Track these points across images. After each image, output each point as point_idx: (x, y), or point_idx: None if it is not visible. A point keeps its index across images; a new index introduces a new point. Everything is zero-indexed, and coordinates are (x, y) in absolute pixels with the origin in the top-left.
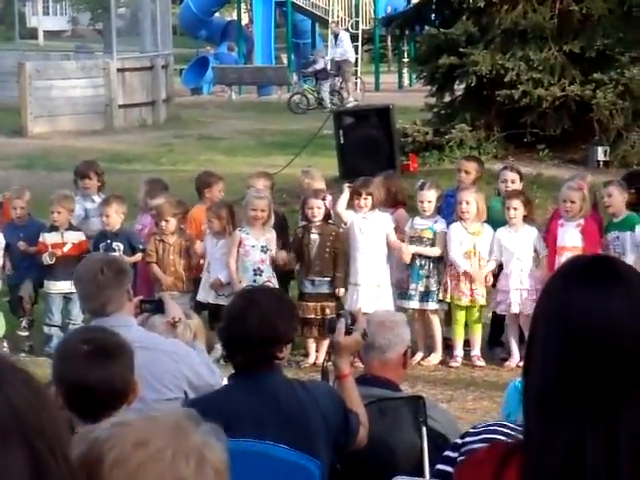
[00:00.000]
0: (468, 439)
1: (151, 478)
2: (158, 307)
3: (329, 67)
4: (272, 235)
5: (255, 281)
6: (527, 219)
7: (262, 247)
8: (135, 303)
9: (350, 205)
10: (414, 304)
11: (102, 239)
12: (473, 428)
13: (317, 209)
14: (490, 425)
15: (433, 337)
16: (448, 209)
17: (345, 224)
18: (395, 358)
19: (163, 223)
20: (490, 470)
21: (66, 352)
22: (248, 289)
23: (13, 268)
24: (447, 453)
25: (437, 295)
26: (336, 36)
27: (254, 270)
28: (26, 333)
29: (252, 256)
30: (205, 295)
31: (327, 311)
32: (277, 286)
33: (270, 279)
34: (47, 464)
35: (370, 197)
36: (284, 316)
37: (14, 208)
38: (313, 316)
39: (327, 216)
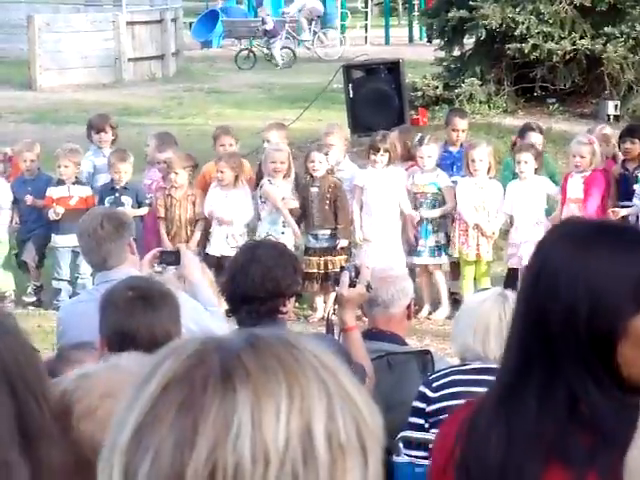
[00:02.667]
0: (433, 395)
1: None
2: (176, 258)
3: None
4: (289, 186)
5: (284, 233)
6: (537, 171)
7: (283, 198)
8: (154, 254)
9: (365, 160)
10: (424, 260)
11: (109, 192)
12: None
13: (318, 163)
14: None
15: (439, 291)
16: (444, 162)
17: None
18: (399, 312)
19: (172, 175)
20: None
21: (111, 298)
22: (250, 244)
23: (20, 222)
24: (416, 404)
25: (447, 248)
26: None
27: (283, 223)
28: (33, 299)
29: (271, 207)
30: (219, 249)
31: (330, 266)
32: (293, 239)
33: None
34: (28, 405)
35: (387, 153)
36: (286, 270)
37: (24, 161)
38: (315, 270)
39: (332, 169)
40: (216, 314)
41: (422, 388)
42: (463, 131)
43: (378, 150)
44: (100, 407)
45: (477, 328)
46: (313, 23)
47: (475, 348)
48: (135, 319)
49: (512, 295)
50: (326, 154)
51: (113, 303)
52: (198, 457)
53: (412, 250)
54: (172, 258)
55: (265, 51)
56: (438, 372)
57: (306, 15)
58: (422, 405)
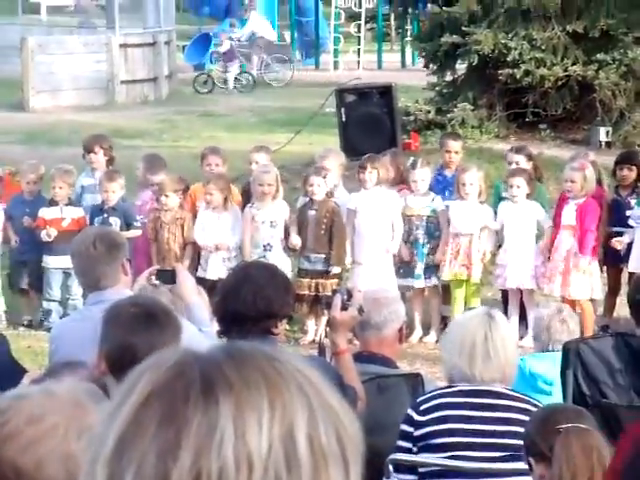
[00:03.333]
0: (420, 418)
1: (41, 453)
2: (172, 277)
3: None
4: (283, 209)
5: (265, 257)
6: (529, 196)
7: (271, 222)
8: (151, 271)
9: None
10: (420, 283)
11: (98, 214)
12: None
13: (317, 186)
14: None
15: (433, 315)
16: (438, 186)
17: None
18: (391, 334)
19: (163, 198)
20: None
21: (114, 314)
22: (242, 264)
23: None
24: (404, 427)
25: (436, 272)
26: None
27: (264, 246)
28: (28, 331)
29: (262, 232)
30: (216, 272)
31: (321, 288)
32: (286, 262)
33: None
34: None
35: (375, 171)
36: (279, 291)
37: (27, 183)
38: (307, 292)
39: (331, 191)
40: (209, 335)
41: (410, 411)
42: (457, 153)
43: (365, 168)
44: (24, 432)
45: (463, 347)
46: (262, 50)
47: (462, 368)
48: (137, 335)
49: (499, 314)
50: (324, 177)
51: (116, 318)
52: (181, 467)
53: (407, 272)
54: (168, 277)
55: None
56: (425, 395)
57: (259, 43)
58: (409, 429)
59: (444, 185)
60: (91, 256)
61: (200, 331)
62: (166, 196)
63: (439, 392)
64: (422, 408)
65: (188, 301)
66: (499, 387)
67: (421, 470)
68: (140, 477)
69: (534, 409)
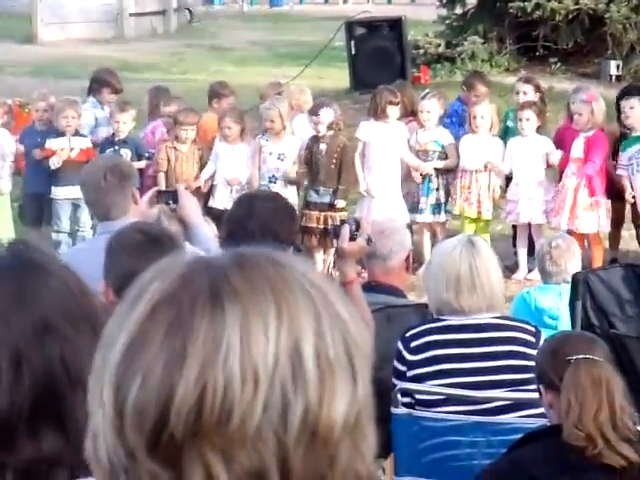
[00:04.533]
0: (412, 358)
1: None
2: (174, 198)
3: None
4: (294, 143)
5: (270, 189)
6: (540, 130)
7: (279, 155)
8: (153, 193)
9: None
10: (426, 217)
11: (109, 145)
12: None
13: (315, 125)
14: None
15: None
16: (452, 117)
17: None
18: (397, 265)
19: (183, 132)
20: None
21: (120, 241)
22: (246, 196)
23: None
24: (397, 365)
25: (446, 206)
26: None
27: (269, 177)
28: None
29: (268, 163)
30: (224, 202)
31: (329, 221)
32: (292, 193)
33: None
34: None
35: (400, 104)
36: (284, 221)
37: (36, 111)
38: (315, 225)
39: (338, 126)
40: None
41: (400, 346)
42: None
43: (397, 104)
44: None
45: (448, 279)
46: None
47: (450, 301)
48: (144, 261)
49: (480, 241)
50: (317, 115)
51: (122, 246)
52: (187, 377)
53: (414, 207)
54: (170, 197)
55: None
56: (415, 329)
57: None
58: (402, 368)
59: (458, 119)
60: (102, 187)
61: (209, 251)
62: (185, 130)
63: (428, 327)
64: (413, 345)
65: (192, 221)
66: (489, 318)
67: (418, 397)
68: (146, 389)
69: (531, 338)
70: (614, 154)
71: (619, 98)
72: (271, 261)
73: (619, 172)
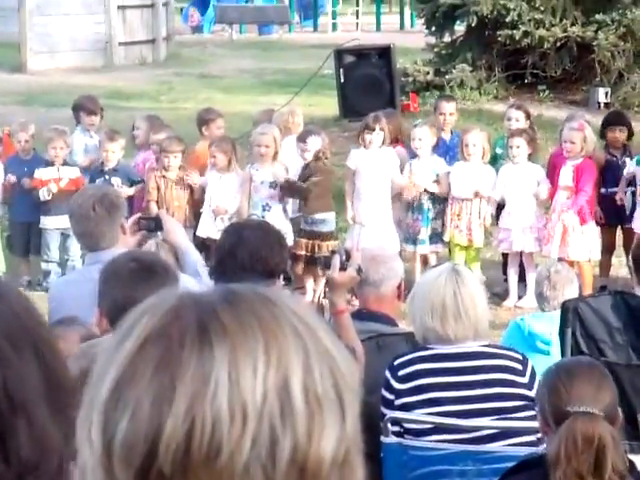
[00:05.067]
0: (399, 386)
1: None
2: (156, 224)
3: None
4: (281, 168)
5: (264, 217)
6: (531, 157)
7: (270, 183)
8: (134, 220)
9: (359, 141)
10: (425, 249)
11: (99, 175)
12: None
13: (302, 152)
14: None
15: None
16: (438, 151)
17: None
18: (390, 292)
19: (166, 159)
20: None
21: (113, 270)
22: (235, 225)
23: (12, 203)
24: (385, 394)
25: (442, 237)
26: None
27: (263, 206)
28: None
29: (261, 192)
30: (206, 230)
31: (317, 249)
32: (285, 223)
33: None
34: (55, 371)
35: (382, 132)
36: (274, 249)
37: (19, 141)
38: (303, 252)
39: (324, 154)
40: (206, 275)
41: (388, 375)
42: (451, 114)
43: (373, 129)
44: None
45: (433, 307)
46: None
47: (435, 329)
48: (138, 290)
49: (464, 269)
50: (304, 142)
51: (116, 275)
52: (176, 413)
53: (413, 239)
54: (152, 225)
55: None
56: (403, 357)
57: None
58: (390, 396)
59: (444, 149)
60: (91, 218)
61: (197, 274)
62: (174, 157)
63: (416, 356)
64: (401, 374)
65: (180, 245)
66: (476, 346)
67: (407, 426)
68: (135, 423)
69: (518, 365)
70: (604, 181)
71: (604, 126)
72: (260, 297)
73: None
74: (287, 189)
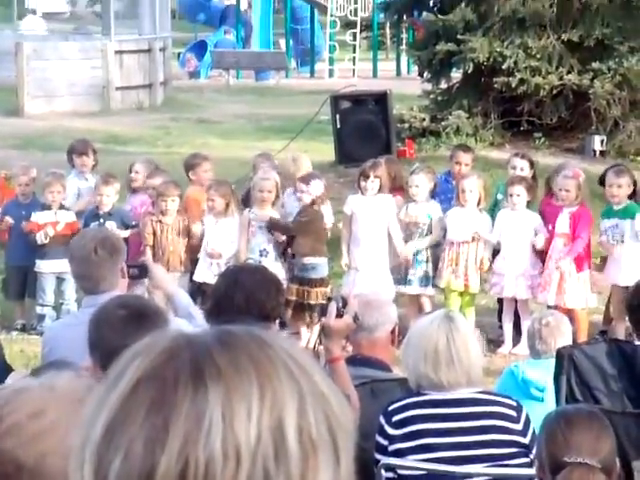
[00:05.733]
0: (393, 432)
1: (42, 447)
2: (141, 271)
3: None
4: (275, 214)
5: (260, 262)
6: (529, 205)
7: (269, 228)
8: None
9: (357, 188)
10: (413, 290)
11: (94, 218)
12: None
13: (301, 193)
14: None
15: None
16: (447, 193)
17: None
18: (384, 337)
19: (164, 203)
20: None
21: (103, 317)
22: (232, 269)
23: (9, 247)
24: (379, 440)
25: (433, 280)
26: None
27: (260, 251)
28: (20, 335)
29: (258, 237)
30: (202, 275)
31: (306, 295)
32: (280, 268)
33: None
34: None
35: (378, 180)
36: (270, 293)
37: (19, 184)
38: (294, 298)
39: (321, 201)
40: (199, 316)
41: (382, 420)
42: (466, 165)
43: (368, 177)
44: (26, 426)
45: (427, 353)
46: None
47: (428, 375)
48: (130, 337)
49: (458, 316)
50: (307, 184)
51: (105, 322)
52: (169, 455)
53: (401, 279)
54: (136, 272)
55: None
56: (396, 403)
57: None
58: (384, 442)
59: (452, 194)
60: (92, 260)
61: (190, 316)
62: (172, 201)
63: (410, 402)
64: (394, 420)
65: (168, 290)
66: (470, 392)
67: (400, 472)
68: (128, 465)
69: (512, 412)
70: None
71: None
72: (255, 339)
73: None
74: (272, 227)
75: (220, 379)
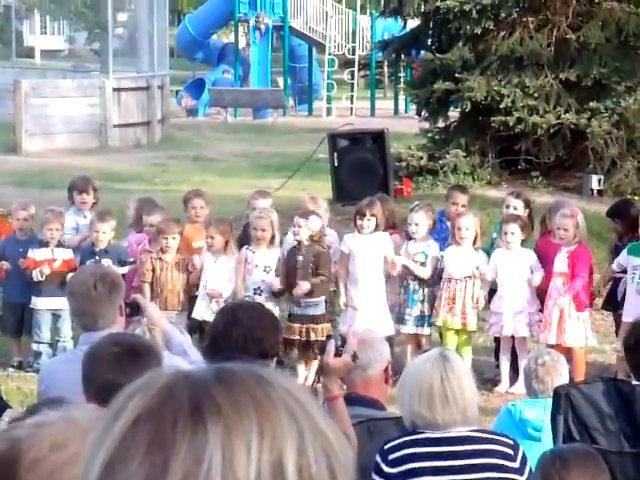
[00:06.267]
0: (390, 470)
1: None
2: (132, 310)
3: None
4: (275, 255)
5: (255, 300)
6: (524, 243)
7: (265, 267)
8: None
9: (352, 226)
10: (409, 329)
11: (90, 256)
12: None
13: (298, 227)
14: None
15: None
16: (440, 233)
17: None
18: (377, 375)
19: (165, 241)
20: None
21: (96, 355)
22: (230, 306)
23: (6, 283)
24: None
25: (430, 319)
26: None
27: (254, 289)
28: (17, 372)
29: (254, 275)
30: (201, 313)
31: (312, 334)
32: (277, 307)
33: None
34: None
35: (374, 218)
36: (268, 331)
37: (17, 220)
38: (297, 337)
39: (319, 237)
40: (195, 353)
41: (378, 459)
42: (463, 206)
43: (364, 215)
44: (49, 458)
45: (421, 392)
46: None
47: (423, 414)
48: (124, 374)
49: (452, 354)
50: (306, 219)
51: (99, 360)
52: None
53: (399, 318)
54: (128, 310)
55: None
56: (393, 442)
57: None
58: None
59: (446, 234)
60: (92, 297)
61: (185, 353)
62: (173, 238)
63: (406, 440)
64: (391, 458)
65: (163, 327)
66: (466, 431)
67: None
68: None
69: (509, 450)
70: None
71: (610, 215)
72: (254, 377)
73: (614, 267)
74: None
75: (220, 417)
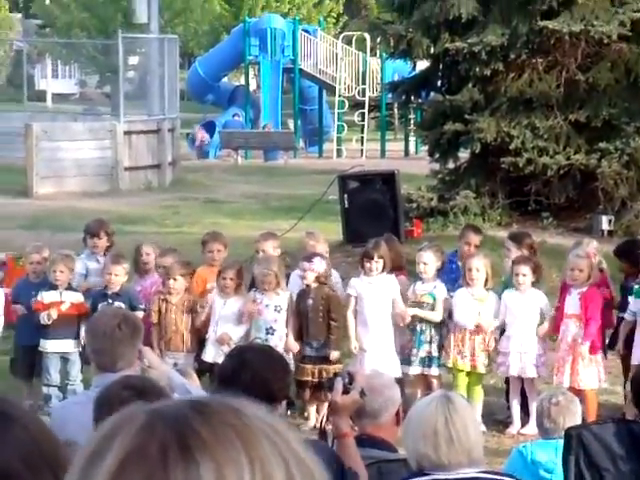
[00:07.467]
0: None
1: None
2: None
3: None
4: (286, 295)
5: (267, 340)
6: (535, 284)
7: (275, 307)
8: None
9: (359, 268)
10: (415, 369)
11: (102, 298)
12: None
13: (304, 272)
14: None
15: None
16: (450, 274)
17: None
18: (388, 421)
19: (171, 281)
20: None
21: (107, 399)
22: (239, 348)
23: (18, 327)
24: None
25: (439, 360)
26: None
27: (266, 329)
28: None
29: (265, 315)
30: (212, 355)
31: (324, 374)
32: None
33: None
34: None
35: (382, 260)
36: (277, 374)
37: (30, 263)
38: (310, 379)
39: (326, 277)
40: (198, 392)
41: None
42: (476, 246)
43: (372, 257)
44: None
45: (426, 434)
46: None
47: (429, 455)
48: None
49: (456, 396)
50: (310, 262)
51: (109, 404)
52: None
53: (405, 359)
54: None
55: None
56: None
57: None
58: None
59: (457, 275)
60: (115, 337)
61: (188, 393)
62: (174, 279)
63: None
64: None
65: (163, 371)
66: (473, 472)
67: None
68: None
69: None
70: (620, 305)
71: (617, 254)
72: (228, 407)
73: (626, 316)
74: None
75: (208, 452)
